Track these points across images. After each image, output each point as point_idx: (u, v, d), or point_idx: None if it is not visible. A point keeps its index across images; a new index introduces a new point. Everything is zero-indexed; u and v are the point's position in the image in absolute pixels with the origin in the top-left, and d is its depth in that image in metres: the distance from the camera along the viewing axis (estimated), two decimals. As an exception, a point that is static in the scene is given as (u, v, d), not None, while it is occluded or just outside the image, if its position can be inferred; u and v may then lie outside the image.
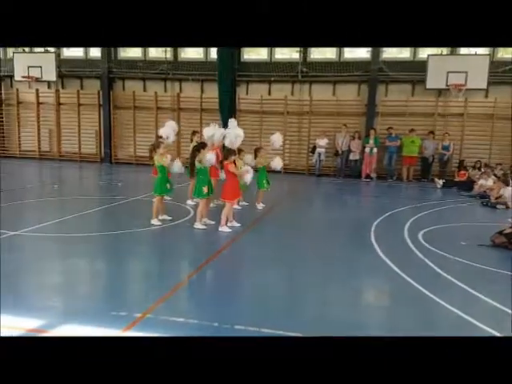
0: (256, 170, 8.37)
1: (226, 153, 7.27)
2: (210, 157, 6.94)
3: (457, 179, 13.13)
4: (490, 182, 11.54)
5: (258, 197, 9.09)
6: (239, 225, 7.44)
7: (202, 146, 7.19)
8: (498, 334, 3.76)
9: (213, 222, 7.44)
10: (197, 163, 7.02)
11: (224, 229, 7.09)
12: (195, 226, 7.19)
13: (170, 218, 7.72)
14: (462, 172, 13.17)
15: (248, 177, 7.17)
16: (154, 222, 7.38)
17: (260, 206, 9.00)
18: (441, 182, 13.06)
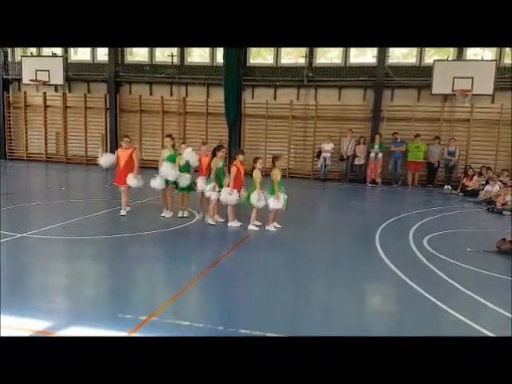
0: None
1: (234, 153, 7.91)
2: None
3: (469, 187, 12.65)
4: (496, 187, 11.50)
5: None
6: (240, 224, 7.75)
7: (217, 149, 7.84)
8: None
9: (223, 220, 7.94)
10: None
11: (233, 224, 7.58)
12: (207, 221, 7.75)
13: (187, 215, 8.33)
14: (472, 180, 12.76)
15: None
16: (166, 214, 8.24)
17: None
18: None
